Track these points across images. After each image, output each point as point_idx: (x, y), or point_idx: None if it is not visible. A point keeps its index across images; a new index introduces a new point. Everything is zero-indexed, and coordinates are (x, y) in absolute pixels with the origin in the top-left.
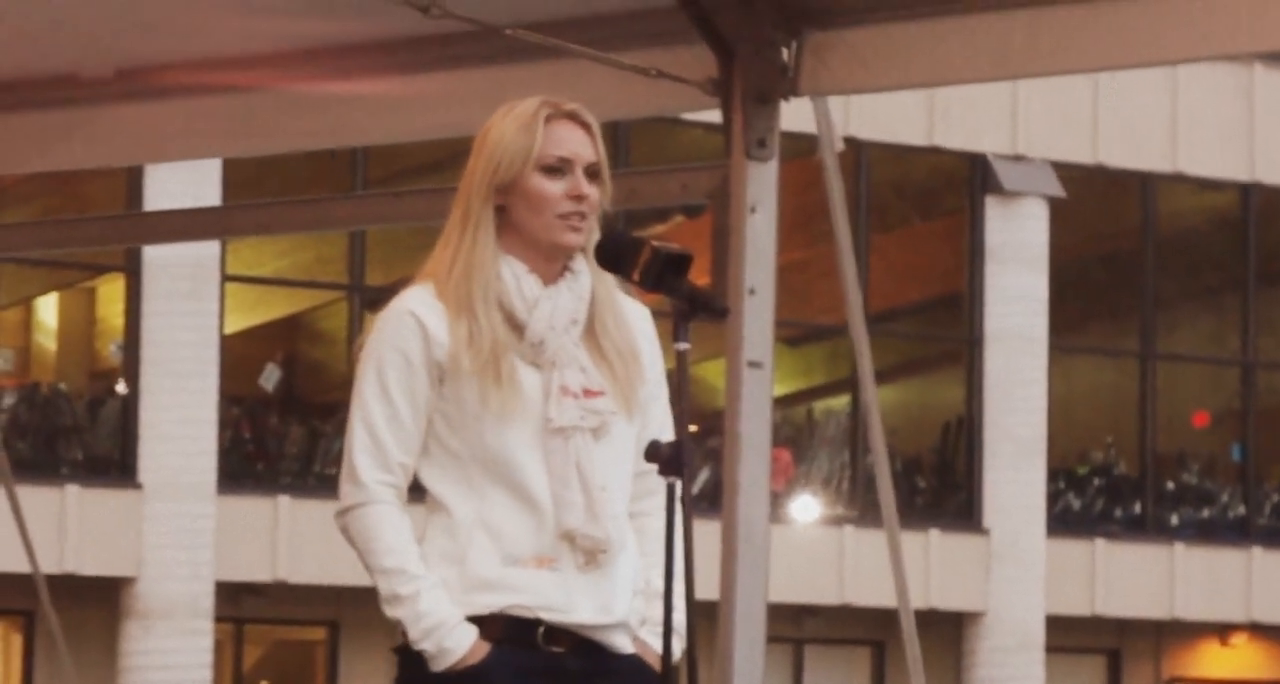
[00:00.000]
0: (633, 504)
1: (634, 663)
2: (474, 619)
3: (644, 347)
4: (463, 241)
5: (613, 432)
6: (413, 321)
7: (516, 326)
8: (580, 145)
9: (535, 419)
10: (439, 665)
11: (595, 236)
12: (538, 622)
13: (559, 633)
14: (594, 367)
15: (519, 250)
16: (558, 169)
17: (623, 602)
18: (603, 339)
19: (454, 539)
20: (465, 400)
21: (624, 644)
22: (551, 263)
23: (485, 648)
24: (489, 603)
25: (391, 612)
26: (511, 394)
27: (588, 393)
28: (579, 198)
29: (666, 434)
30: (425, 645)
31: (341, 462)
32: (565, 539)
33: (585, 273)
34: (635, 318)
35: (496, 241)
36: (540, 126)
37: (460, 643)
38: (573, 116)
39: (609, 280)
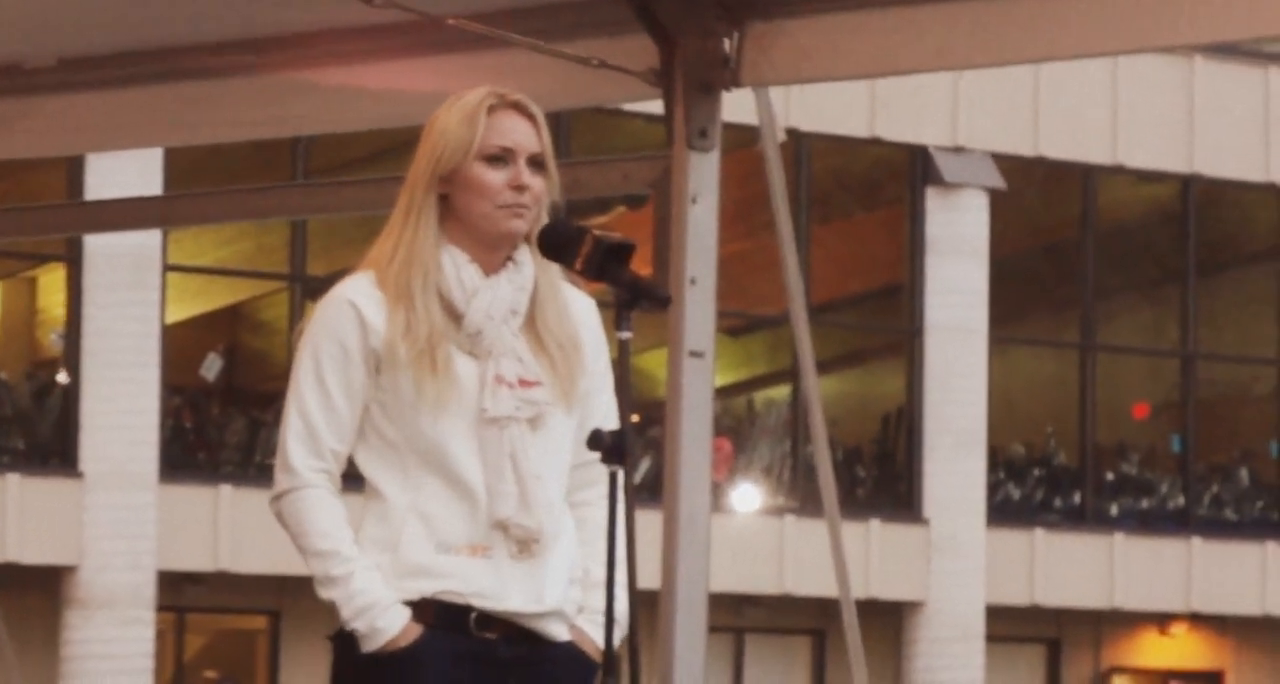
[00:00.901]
0: (574, 494)
1: (568, 651)
2: (406, 604)
3: (587, 338)
4: (405, 230)
5: (550, 422)
6: (350, 310)
7: (455, 316)
8: (523, 136)
9: (470, 409)
10: (370, 646)
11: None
12: (469, 608)
13: (491, 620)
14: (533, 357)
15: (461, 240)
16: (500, 159)
17: (556, 591)
18: (543, 331)
19: (388, 525)
20: (401, 389)
21: (559, 632)
22: (494, 253)
23: (417, 630)
24: (420, 588)
25: (325, 593)
26: (446, 383)
27: (524, 383)
28: (520, 188)
29: (611, 425)
30: (357, 625)
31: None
32: (498, 528)
33: (528, 264)
34: (579, 309)
35: (439, 231)
36: (483, 117)
37: (392, 623)
38: (517, 107)
39: (553, 271)
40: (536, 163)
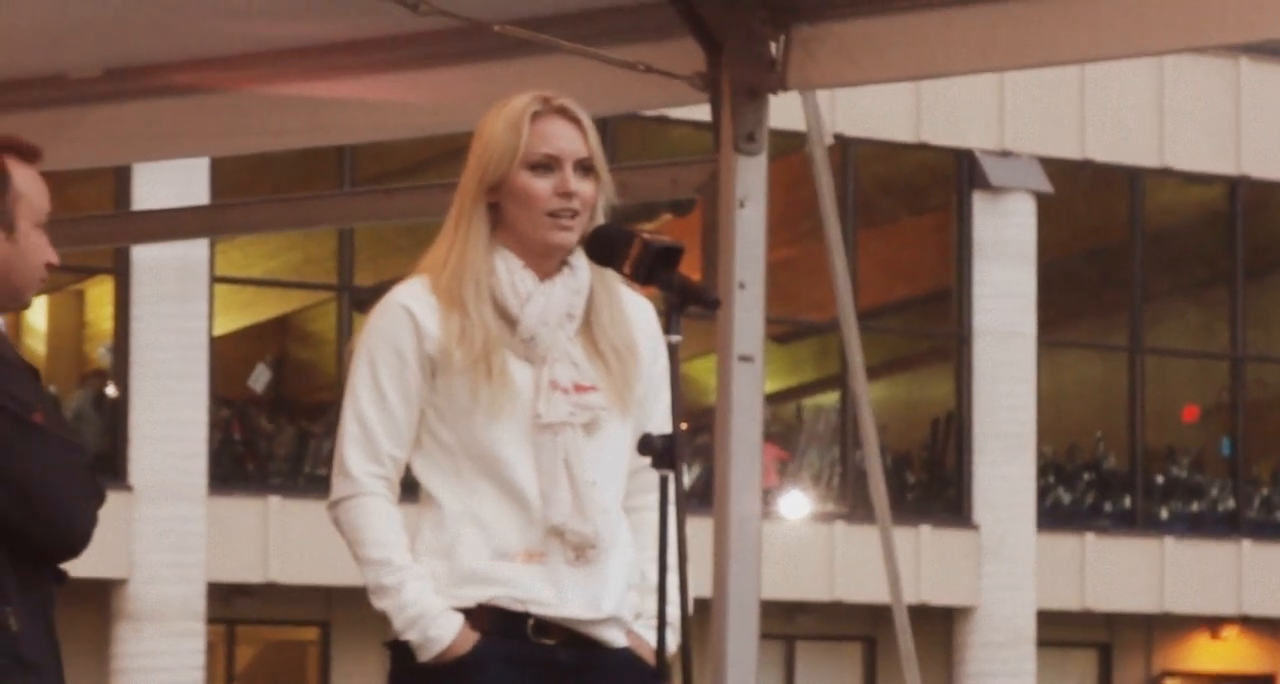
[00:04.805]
0: (630, 499)
1: (627, 657)
2: (462, 611)
3: (643, 342)
4: (456, 237)
5: (605, 427)
6: (405, 315)
7: (509, 321)
8: (569, 141)
9: (525, 414)
10: (426, 655)
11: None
12: (526, 614)
13: (548, 626)
14: (588, 362)
15: (513, 247)
16: (545, 166)
17: (613, 597)
18: (598, 335)
19: (443, 532)
20: (456, 394)
21: (616, 638)
22: (546, 260)
23: (473, 637)
24: (476, 594)
25: (378, 603)
26: (501, 389)
27: (579, 388)
28: (567, 195)
29: (663, 429)
30: (411, 635)
31: (333, 459)
32: (554, 535)
33: (584, 268)
34: (636, 313)
35: (491, 238)
36: (527, 124)
37: (445, 631)
38: (562, 112)
39: (609, 275)
40: (585, 167)
